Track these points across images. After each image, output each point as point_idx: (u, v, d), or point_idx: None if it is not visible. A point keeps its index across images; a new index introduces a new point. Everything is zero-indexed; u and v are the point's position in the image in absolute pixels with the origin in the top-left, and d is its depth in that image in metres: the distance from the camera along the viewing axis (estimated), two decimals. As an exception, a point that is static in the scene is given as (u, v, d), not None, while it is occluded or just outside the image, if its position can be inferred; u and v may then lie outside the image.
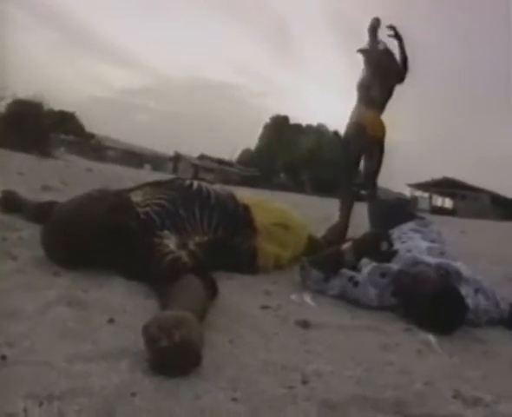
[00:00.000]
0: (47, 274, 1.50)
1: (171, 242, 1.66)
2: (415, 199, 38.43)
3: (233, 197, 2.14)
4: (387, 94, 3.82)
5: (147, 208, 1.81)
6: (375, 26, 3.83)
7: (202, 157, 46.35)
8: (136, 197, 1.88)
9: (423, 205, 36.49)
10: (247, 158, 46.38)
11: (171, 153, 45.32)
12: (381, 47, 3.88)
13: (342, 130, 4.02)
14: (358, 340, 1.40)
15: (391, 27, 3.77)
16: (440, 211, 33.33)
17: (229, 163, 45.52)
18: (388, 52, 3.85)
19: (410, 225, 2.39)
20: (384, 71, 3.77)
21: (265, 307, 1.57)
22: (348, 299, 1.84)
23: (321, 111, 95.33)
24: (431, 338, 1.49)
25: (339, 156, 4.52)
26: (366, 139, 3.71)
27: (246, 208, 2.13)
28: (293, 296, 1.79)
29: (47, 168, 7.18)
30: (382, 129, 3.79)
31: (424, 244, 2.14)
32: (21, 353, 0.95)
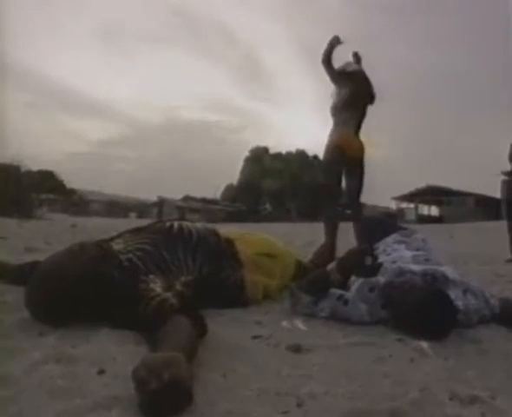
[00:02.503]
0: (33, 336, 1.47)
1: (157, 286, 1.66)
2: (401, 211, 38.76)
3: (214, 232, 2.14)
4: (361, 114, 3.91)
5: (130, 255, 1.81)
6: (333, 45, 3.88)
7: (186, 198, 46.32)
8: (117, 245, 1.88)
9: (411, 216, 36.80)
10: (231, 194, 46.53)
11: (155, 198, 45.22)
12: (354, 67, 3.97)
13: (321, 154, 4.07)
14: (351, 356, 1.40)
15: (355, 53, 3.97)
16: (427, 219, 33.67)
17: (214, 201, 45.55)
18: (362, 72, 3.96)
19: (394, 237, 2.41)
20: (359, 92, 3.86)
21: (256, 337, 1.56)
22: (339, 318, 1.83)
23: (299, 137, 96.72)
24: (423, 344, 1.49)
25: (321, 180, 4.56)
26: (346, 160, 3.79)
27: (229, 242, 2.14)
28: (284, 323, 1.79)
29: (29, 229, 7.11)
30: (360, 148, 3.86)
31: (409, 253, 2.16)
32: (8, 418, 0.93)
